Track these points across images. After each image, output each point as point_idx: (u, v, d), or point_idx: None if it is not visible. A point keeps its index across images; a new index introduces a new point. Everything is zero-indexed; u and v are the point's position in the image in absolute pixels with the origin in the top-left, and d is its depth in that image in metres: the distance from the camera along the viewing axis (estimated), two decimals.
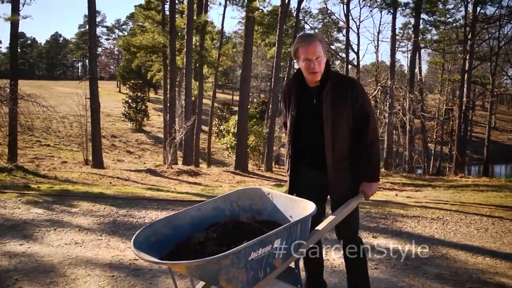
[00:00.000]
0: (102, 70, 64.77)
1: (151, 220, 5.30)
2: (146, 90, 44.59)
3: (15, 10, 13.93)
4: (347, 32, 24.50)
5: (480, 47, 29.63)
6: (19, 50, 28.11)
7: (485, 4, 24.89)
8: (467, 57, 23.76)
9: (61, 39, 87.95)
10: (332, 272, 3.56)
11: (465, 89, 23.92)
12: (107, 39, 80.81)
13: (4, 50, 76.25)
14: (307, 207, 2.28)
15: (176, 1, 22.61)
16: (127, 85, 39.91)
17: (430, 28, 30.64)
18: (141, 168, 15.26)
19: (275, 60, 20.23)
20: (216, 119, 33.87)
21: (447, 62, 32.71)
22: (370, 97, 17.34)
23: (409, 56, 30.20)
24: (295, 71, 2.70)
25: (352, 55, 27.96)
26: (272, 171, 19.40)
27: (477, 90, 39.34)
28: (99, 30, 73.11)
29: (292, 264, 2.25)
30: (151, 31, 24.60)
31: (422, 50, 33.19)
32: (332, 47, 36.91)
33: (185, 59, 17.88)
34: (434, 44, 30.93)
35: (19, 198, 6.30)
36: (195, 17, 19.59)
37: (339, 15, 60.92)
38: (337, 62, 38.67)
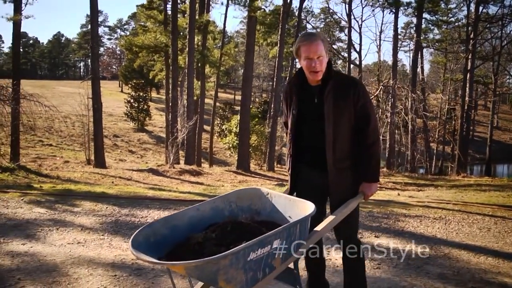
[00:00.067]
0: (104, 69, 64.85)
1: (153, 219, 5.30)
2: (148, 89, 44.70)
3: (17, 10, 13.98)
4: (349, 31, 24.55)
5: (483, 46, 29.60)
6: (21, 49, 28.18)
7: (488, 3, 24.87)
8: (469, 57, 23.73)
9: (63, 39, 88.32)
10: (334, 272, 3.56)
11: (467, 88, 23.88)
12: (109, 39, 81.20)
13: (6, 50, 76.88)
14: (306, 207, 2.27)
15: (178, 1, 22.57)
16: (129, 85, 39.95)
17: (432, 27, 30.68)
18: (143, 168, 15.27)
19: (277, 59, 20.20)
20: (218, 119, 33.83)
21: (449, 62, 32.64)
22: (372, 96, 17.31)
23: (411, 56, 30.27)
24: (297, 70, 2.69)
25: (354, 55, 27.98)
26: (274, 170, 19.38)
27: (479, 89, 39.30)
28: (101, 29, 73.29)
29: (291, 265, 2.24)
30: (153, 30, 24.59)
31: (424, 50, 33.16)
32: (334, 46, 36.88)
33: (187, 59, 17.87)
34: (436, 44, 30.92)
35: (22, 198, 6.32)
36: (197, 17, 19.57)
37: (341, 14, 61.27)
38: (339, 62, 38.70)
